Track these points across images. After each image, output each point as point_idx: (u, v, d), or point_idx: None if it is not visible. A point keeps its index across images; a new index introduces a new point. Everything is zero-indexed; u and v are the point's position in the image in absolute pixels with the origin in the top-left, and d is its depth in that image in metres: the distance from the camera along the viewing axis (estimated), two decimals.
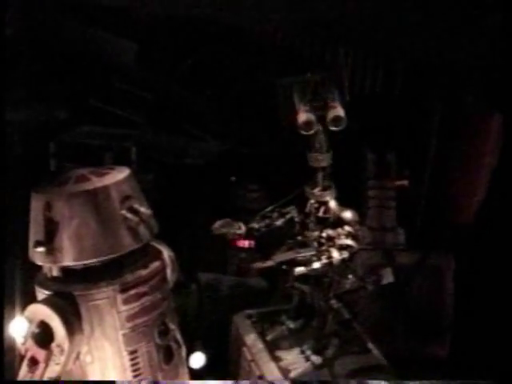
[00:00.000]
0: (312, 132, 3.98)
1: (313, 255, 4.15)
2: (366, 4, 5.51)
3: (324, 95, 4.05)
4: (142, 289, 3.56)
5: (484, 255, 5.29)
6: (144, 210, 3.58)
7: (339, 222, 4.24)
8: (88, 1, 6.13)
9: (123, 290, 3.50)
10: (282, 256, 4.20)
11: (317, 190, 4.22)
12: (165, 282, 3.79)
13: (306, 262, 4.13)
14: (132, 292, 3.52)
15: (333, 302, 4.31)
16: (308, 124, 3.94)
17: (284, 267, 4.20)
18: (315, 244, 4.21)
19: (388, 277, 4.41)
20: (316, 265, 4.11)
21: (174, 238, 4.03)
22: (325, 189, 4.22)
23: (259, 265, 4.26)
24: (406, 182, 5.72)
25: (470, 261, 5.46)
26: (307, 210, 4.30)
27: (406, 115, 6.05)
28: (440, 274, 5.56)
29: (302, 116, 3.97)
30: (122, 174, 3.64)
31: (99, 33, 6.32)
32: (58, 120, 6.04)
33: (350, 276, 4.25)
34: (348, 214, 4.24)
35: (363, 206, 5.73)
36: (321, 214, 4.26)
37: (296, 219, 4.34)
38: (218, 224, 4.32)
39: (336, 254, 4.13)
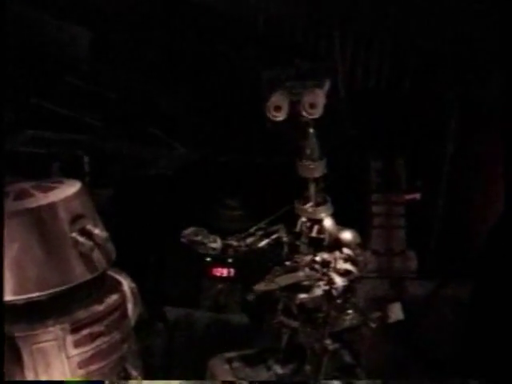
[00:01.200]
0: (281, 118, 4.01)
1: (315, 279, 4.15)
2: None
3: (308, 82, 4.08)
4: (96, 328, 3.53)
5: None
6: (99, 231, 3.56)
7: (336, 244, 4.22)
8: None
9: (74, 330, 3.46)
10: (286, 278, 4.17)
11: (309, 206, 4.20)
12: (125, 320, 3.77)
13: (309, 288, 4.13)
14: (85, 332, 3.49)
15: (327, 342, 4.27)
16: (277, 107, 4.00)
17: (278, 295, 4.21)
18: (307, 270, 4.20)
19: (397, 313, 4.40)
20: (318, 291, 4.10)
21: (137, 267, 4.02)
22: (318, 204, 4.20)
23: (260, 287, 4.23)
24: (417, 196, 5.75)
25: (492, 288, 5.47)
26: (298, 229, 4.28)
27: (417, 116, 6.08)
28: (459, 307, 5.56)
29: (273, 98, 4.03)
30: (72, 188, 3.62)
31: (46, 18, 6.32)
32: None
33: (350, 311, 4.23)
34: (347, 235, 4.22)
35: (366, 226, 5.74)
36: (314, 234, 4.23)
37: (284, 239, 4.33)
38: (189, 230, 4.31)
39: (338, 280, 4.11)
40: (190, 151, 6.43)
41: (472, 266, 5.61)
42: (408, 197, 5.75)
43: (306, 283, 4.13)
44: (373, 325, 4.29)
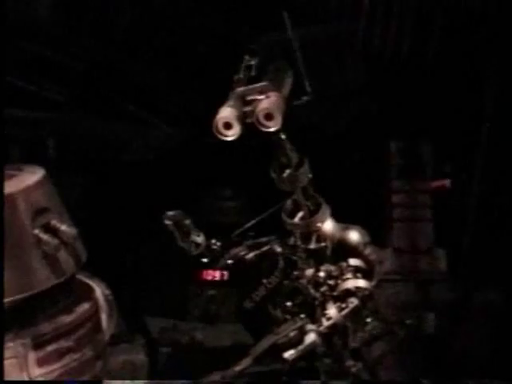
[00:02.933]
0: (232, 137, 3.84)
1: (299, 327, 4.11)
2: None
3: (264, 84, 3.94)
4: (64, 343, 3.52)
5: None
6: (66, 228, 3.54)
7: (342, 249, 4.18)
8: None
9: (38, 346, 3.44)
10: (260, 347, 4.13)
11: (299, 218, 4.12)
12: (98, 333, 3.77)
13: (293, 341, 4.09)
14: (50, 348, 3.47)
15: (349, 363, 4.24)
16: (226, 124, 3.78)
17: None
18: (310, 288, 4.15)
19: (429, 325, 4.40)
20: (311, 338, 4.02)
21: (112, 270, 4.02)
22: (312, 212, 4.14)
23: (232, 372, 4.24)
24: (446, 183, 5.75)
25: None
26: (291, 241, 4.18)
27: (445, 90, 6.07)
28: (494, 315, 5.57)
29: (221, 112, 3.64)
30: (33, 176, 3.61)
31: None
32: None
33: (369, 319, 4.21)
34: (353, 236, 4.12)
35: (386, 219, 5.74)
36: (313, 245, 4.19)
37: (278, 250, 4.28)
38: (171, 213, 4.25)
39: (333, 312, 4.01)
40: (175, 131, 6.42)
41: (510, 266, 5.63)
42: (435, 184, 5.76)
43: (287, 338, 4.11)
44: (400, 332, 4.29)
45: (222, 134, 3.66)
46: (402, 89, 5.98)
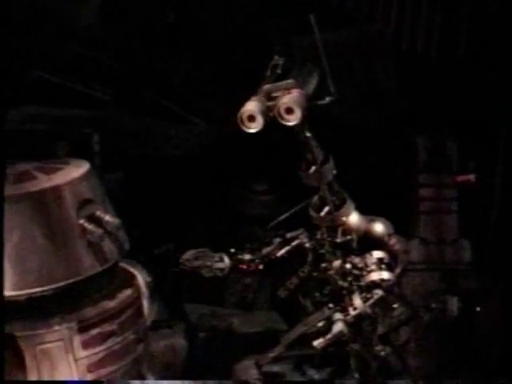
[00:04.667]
0: (256, 130, 3.88)
1: (327, 317, 4.12)
2: None
3: (288, 82, 3.95)
4: (108, 327, 3.55)
5: None
6: (110, 218, 3.56)
7: (367, 238, 4.18)
8: None
9: (82, 329, 3.48)
10: (290, 337, 4.20)
11: (326, 213, 4.15)
12: (140, 318, 3.79)
13: (322, 330, 4.09)
14: (94, 332, 3.51)
15: (378, 348, 4.24)
16: (250, 117, 3.77)
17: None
18: (337, 279, 4.16)
19: (452, 309, 4.39)
20: (338, 327, 4.02)
21: (153, 258, 4.02)
22: (337, 207, 4.16)
23: (265, 359, 4.26)
24: (471, 177, 5.72)
25: None
26: (319, 235, 4.25)
27: (470, 89, 6.03)
28: None
29: (246, 106, 3.82)
30: (79, 170, 3.64)
31: None
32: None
33: (396, 305, 4.20)
34: (378, 228, 4.17)
35: (413, 211, 5.72)
36: (339, 238, 4.21)
37: (306, 245, 4.29)
38: (188, 255, 4.31)
39: (358, 302, 4.06)
40: (213, 127, 6.42)
41: None
42: (461, 178, 5.72)
43: (314, 328, 4.12)
44: (425, 317, 4.28)
45: (246, 126, 3.77)
46: (428, 88, 5.94)
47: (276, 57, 4.05)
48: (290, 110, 3.72)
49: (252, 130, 3.79)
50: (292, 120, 3.73)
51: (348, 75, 5.09)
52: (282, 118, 3.74)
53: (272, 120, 3.76)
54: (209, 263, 4.26)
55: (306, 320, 4.17)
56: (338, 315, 4.04)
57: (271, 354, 4.25)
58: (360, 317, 4.03)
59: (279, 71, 3.96)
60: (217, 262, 4.27)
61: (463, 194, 5.73)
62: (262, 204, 6.33)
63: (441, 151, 5.76)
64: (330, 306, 4.15)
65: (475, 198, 5.82)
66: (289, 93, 3.79)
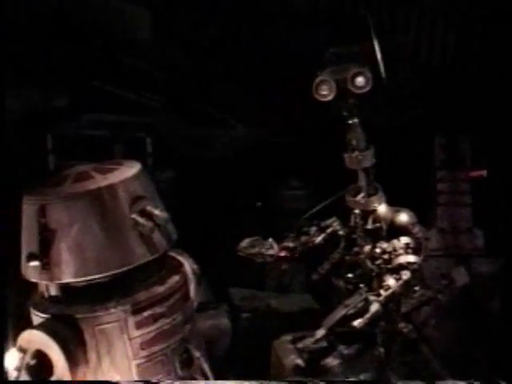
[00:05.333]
0: (330, 98, 3.95)
1: (364, 298, 4.12)
2: None
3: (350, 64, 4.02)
4: (158, 309, 3.55)
5: None
6: (159, 212, 3.56)
7: (394, 229, 4.18)
8: None
9: (136, 312, 3.49)
10: (332, 319, 4.18)
11: (360, 198, 4.18)
12: (187, 301, 3.78)
13: (361, 310, 4.08)
14: (146, 313, 3.51)
15: (402, 325, 4.24)
16: (322, 85, 3.95)
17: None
18: (368, 262, 4.17)
19: (462, 277, 4.37)
20: (374, 307, 4.03)
21: (199, 247, 4.02)
22: (370, 194, 4.17)
23: (309, 342, 4.26)
24: (483, 173, 5.67)
25: None
26: (352, 222, 4.26)
27: (482, 94, 5.99)
28: None
29: (319, 77, 3.97)
30: (131, 169, 3.64)
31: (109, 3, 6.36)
32: (58, 108, 6.08)
33: (417, 288, 4.19)
34: (403, 218, 4.17)
35: (431, 203, 5.69)
36: (369, 225, 4.21)
37: (340, 233, 4.29)
38: (245, 243, 4.31)
39: (392, 282, 4.05)
40: (253, 131, 6.42)
41: None
42: (474, 173, 5.68)
43: (354, 309, 4.11)
44: (442, 297, 4.26)
45: (320, 95, 3.94)
46: (444, 93, 5.91)
47: (331, 49, 4.10)
48: (359, 74, 3.90)
49: (326, 99, 3.96)
50: (361, 84, 3.90)
51: (376, 81, 5.06)
52: (353, 84, 3.90)
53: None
54: (262, 250, 4.27)
55: (345, 302, 4.16)
56: (373, 297, 4.05)
57: (317, 336, 4.25)
58: (392, 296, 4.04)
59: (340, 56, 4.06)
60: (267, 249, 4.28)
61: (476, 187, 5.69)
62: (297, 198, 6.32)
63: (456, 149, 5.73)
64: (361, 285, 4.19)
65: (487, 191, 5.77)
66: (356, 66, 3.94)
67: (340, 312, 4.15)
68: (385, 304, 4.04)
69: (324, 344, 4.37)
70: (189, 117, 6.37)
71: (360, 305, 4.09)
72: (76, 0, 6.22)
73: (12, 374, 3.44)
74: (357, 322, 3.98)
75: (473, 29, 6.24)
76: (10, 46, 5.55)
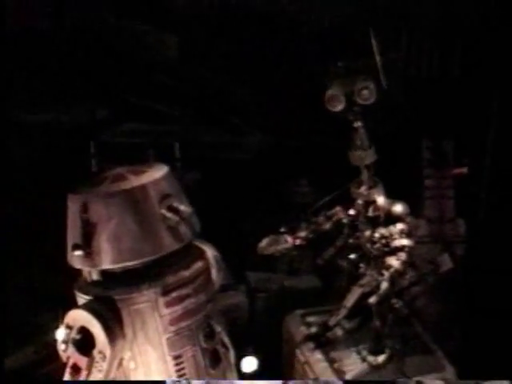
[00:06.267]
0: (340, 108, 3.97)
1: (371, 276, 4.14)
2: None
3: (355, 77, 4.03)
4: (184, 291, 3.55)
5: None
6: (184, 208, 3.56)
7: (390, 218, 4.18)
8: None
9: (165, 293, 3.49)
10: (351, 298, 4.20)
11: (363, 190, 4.18)
12: (209, 283, 3.77)
13: (374, 289, 4.11)
14: (174, 294, 3.51)
15: (394, 301, 4.23)
16: (333, 98, 3.97)
17: None
18: (368, 245, 4.18)
19: (446, 263, 4.36)
20: (384, 285, 4.07)
21: (221, 237, 4.00)
22: (371, 187, 4.17)
23: (334, 320, 4.26)
24: (464, 170, 5.64)
25: None
26: (355, 210, 4.25)
27: (462, 102, 5.97)
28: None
29: (328, 91, 3.98)
30: (160, 171, 3.64)
31: (138, 26, 6.35)
32: (99, 120, 6.09)
33: (408, 270, 4.19)
34: (398, 208, 4.18)
35: (420, 197, 5.66)
36: (370, 213, 4.19)
37: (344, 221, 4.29)
38: (263, 243, 4.31)
39: (394, 262, 4.09)
40: (266, 137, 6.40)
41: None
42: (456, 171, 5.65)
43: (369, 288, 4.13)
44: (429, 279, 4.26)
45: (331, 106, 3.96)
46: (431, 102, 5.89)
47: (339, 63, 4.11)
48: (365, 88, 3.92)
49: (336, 109, 3.97)
50: (368, 97, 3.93)
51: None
52: (360, 97, 3.92)
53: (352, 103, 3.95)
54: (278, 248, 4.26)
55: (359, 283, 4.18)
56: (382, 277, 4.07)
57: (338, 317, 4.27)
58: (395, 274, 4.07)
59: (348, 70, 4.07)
60: (283, 244, 4.28)
61: (458, 183, 5.66)
62: (305, 194, 6.30)
63: (440, 150, 5.70)
64: (361, 265, 4.20)
65: (468, 186, 5.74)
66: (363, 78, 3.96)
67: (357, 292, 4.18)
68: (391, 281, 4.08)
69: (329, 318, 4.35)
70: (211, 125, 6.36)
71: (372, 284, 4.11)
72: (116, 28, 6.22)
73: (60, 347, 3.45)
74: (372, 299, 4.06)
75: (454, 46, 6.21)
76: (61, 69, 5.60)
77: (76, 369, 3.42)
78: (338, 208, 4.31)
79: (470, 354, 4.91)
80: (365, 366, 4.14)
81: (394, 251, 4.11)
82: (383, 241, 4.13)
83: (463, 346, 5.12)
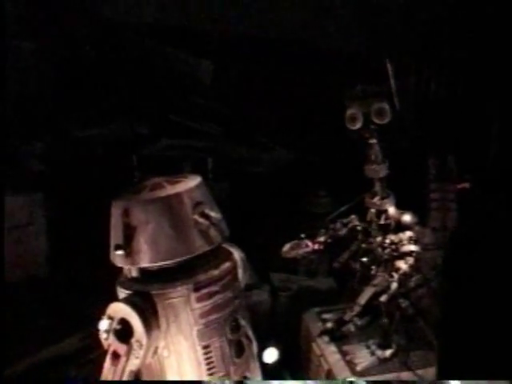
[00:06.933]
0: (358, 126, 4.04)
1: (383, 277, 4.16)
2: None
3: (374, 99, 4.06)
4: (213, 288, 3.55)
5: None
6: (214, 214, 3.57)
7: (400, 226, 4.22)
8: (168, 24, 6.20)
9: (196, 289, 3.49)
10: (365, 296, 4.20)
11: (376, 200, 4.24)
12: (236, 282, 3.76)
13: (385, 289, 4.13)
14: (205, 291, 3.52)
15: (401, 300, 4.24)
16: (352, 117, 4.04)
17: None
18: (379, 250, 4.21)
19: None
20: (394, 285, 4.10)
21: (247, 242, 4.01)
22: (384, 197, 4.22)
23: (350, 315, 4.28)
24: (466, 185, 5.61)
25: None
26: (368, 218, 4.31)
27: (467, 120, 5.94)
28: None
29: (348, 111, 4.06)
30: (194, 181, 3.65)
31: (178, 53, 6.39)
32: (141, 135, 6.13)
33: (414, 274, 4.20)
34: (407, 218, 4.21)
35: (426, 208, 5.65)
36: (382, 221, 4.26)
37: (358, 228, 4.32)
38: (287, 247, 4.34)
39: (403, 265, 4.12)
40: (289, 153, 6.41)
41: None
42: (459, 186, 5.63)
43: (381, 288, 4.14)
44: (433, 283, 4.26)
45: (350, 125, 4.06)
46: (436, 123, 5.87)
47: (359, 86, 4.15)
48: (381, 111, 3.99)
49: (355, 127, 4.07)
50: (383, 119, 4.00)
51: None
52: (376, 117, 3.99)
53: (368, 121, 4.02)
54: (300, 252, 4.28)
55: (372, 283, 4.19)
56: (392, 278, 4.11)
57: (352, 313, 4.26)
58: (403, 277, 4.10)
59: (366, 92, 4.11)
60: (304, 248, 4.30)
61: (461, 196, 5.63)
62: (324, 204, 6.29)
63: (445, 167, 5.68)
64: (373, 267, 4.24)
65: (470, 200, 5.71)
66: (379, 100, 4.01)
67: (370, 291, 4.18)
68: (399, 283, 4.11)
69: (343, 316, 4.35)
70: (240, 141, 6.38)
71: (383, 284, 4.12)
72: (159, 54, 6.26)
73: (102, 336, 3.48)
74: (383, 298, 4.08)
75: (456, 73, 6.19)
76: (108, 90, 5.65)
77: (116, 355, 3.43)
78: (353, 216, 4.35)
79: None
80: (373, 359, 4.13)
81: (403, 256, 4.14)
82: (393, 246, 4.17)
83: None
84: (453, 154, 5.73)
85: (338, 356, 4.16)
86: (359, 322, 4.39)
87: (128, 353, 3.40)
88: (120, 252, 3.45)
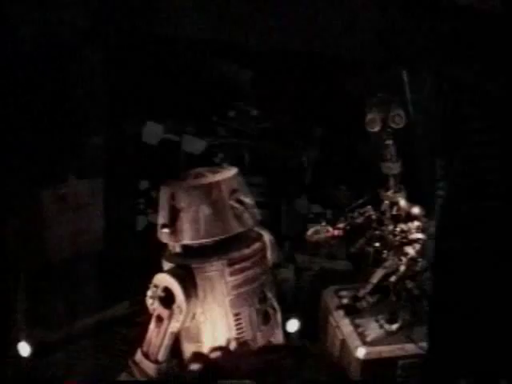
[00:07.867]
0: (376, 129, 4.06)
1: (393, 260, 4.14)
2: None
3: (389, 105, 4.08)
4: (245, 264, 3.56)
5: None
6: (248, 201, 3.59)
7: (409, 217, 4.22)
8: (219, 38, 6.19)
9: (230, 265, 3.51)
10: (376, 276, 4.18)
11: (390, 193, 4.26)
12: (265, 260, 3.76)
13: (394, 270, 4.13)
14: (237, 266, 3.53)
15: (407, 281, 4.20)
16: (372, 121, 4.06)
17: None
18: (391, 237, 4.21)
19: None
20: (402, 268, 4.11)
21: (276, 226, 4.01)
22: (396, 192, 4.23)
23: (363, 292, 4.23)
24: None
25: None
26: (382, 209, 4.32)
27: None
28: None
29: (368, 115, 4.08)
30: (231, 172, 3.68)
31: (222, 64, 6.38)
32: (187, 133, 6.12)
33: (420, 259, 4.17)
34: (416, 210, 4.22)
35: (433, 202, 5.57)
36: (394, 212, 4.27)
37: (373, 217, 4.32)
38: (310, 232, 4.35)
39: (411, 251, 4.12)
40: (317, 152, 6.36)
41: None
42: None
43: (391, 270, 4.13)
44: None
45: (370, 128, 4.08)
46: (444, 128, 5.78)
47: (379, 94, 4.16)
48: (398, 116, 4.02)
49: (374, 130, 4.08)
50: (399, 123, 4.03)
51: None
52: (394, 122, 4.02)
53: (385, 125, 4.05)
54: (322, 236, 4.28)
55: (383, 265, 4.17)
56: (400, 262, 4.11)
57: (366, 290, 4.22)
58: (411, 261, 4.09)
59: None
60: (326, 233, 4.31)
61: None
62: (344, 197, 6.24)
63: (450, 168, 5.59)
64: (384, 252, 4.23)
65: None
66: (395, 107, 4.05)
67: (381, 272, 4.17)
68: (407, 266, 4.09)
69: (357, 293, 4.33)
70: (274, 141, 6.35)
71: (393, 266, 4.11)
72: (205, 63, 6.24)
73: (148, 302, 3.50)
74: (392, 278, 4.09)
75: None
76: (159, 92, 5.66)
77: (159, 319, 3.46)
78: (368, 207, 4.36)
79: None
80: (382, 331, 4.08)
81: (411, 242, 4.15)
82: (402, 234, 4.19)
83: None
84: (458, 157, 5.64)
85: (351, 328, 4.12)
86: (371, 299, 4.35)
87: (170, 317, 3.43)
88: (166, 230, 3.48)
